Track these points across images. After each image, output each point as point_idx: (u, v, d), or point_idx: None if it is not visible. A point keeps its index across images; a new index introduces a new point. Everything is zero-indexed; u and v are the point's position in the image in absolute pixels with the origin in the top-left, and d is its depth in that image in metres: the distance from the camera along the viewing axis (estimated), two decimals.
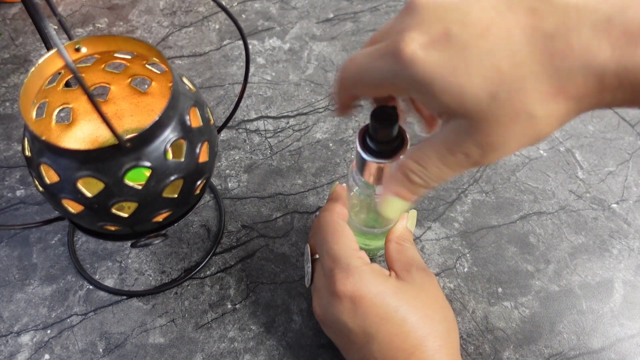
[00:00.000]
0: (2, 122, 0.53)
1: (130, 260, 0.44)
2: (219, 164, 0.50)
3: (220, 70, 0.58)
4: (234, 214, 0.47)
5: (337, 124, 0.54)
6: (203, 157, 0.33)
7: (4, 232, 0.45)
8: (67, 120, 0.40)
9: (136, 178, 0.31)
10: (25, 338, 0.40)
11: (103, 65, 0.38)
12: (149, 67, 0.38)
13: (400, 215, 0.27)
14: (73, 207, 0.31)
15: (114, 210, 0.30)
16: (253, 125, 0.53)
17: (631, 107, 0.22)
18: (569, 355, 0.40)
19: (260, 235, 0.46)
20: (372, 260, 0.35)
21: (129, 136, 0.28)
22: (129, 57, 0.37)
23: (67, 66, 0.24)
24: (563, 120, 0.22)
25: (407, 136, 0.30)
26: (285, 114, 0.54)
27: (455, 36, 0.21)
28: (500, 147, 0.23)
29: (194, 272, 0.43)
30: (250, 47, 0.60)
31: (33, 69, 0.32)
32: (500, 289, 0.43)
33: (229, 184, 0.49)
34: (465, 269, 0.44)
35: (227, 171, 0.50)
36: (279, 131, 0.53)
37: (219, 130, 0.42)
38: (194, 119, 0.32)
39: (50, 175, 0.30)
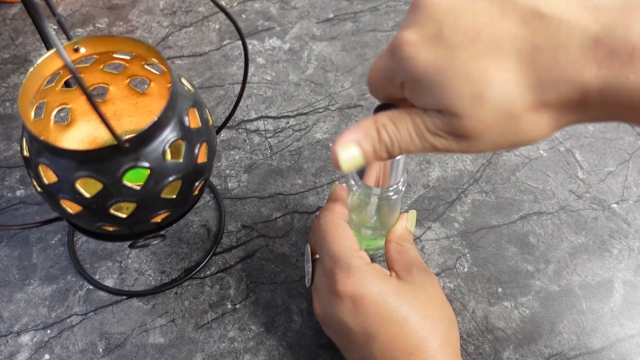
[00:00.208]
0: (2, 122, 0.53)
1: (130, 260, 0.44)
2: (219, 164, 0.50)
3: (220, 70, 0.58)
4: (234, 214, 0.47)
5: (337, 124, 0.54)
6: (202, 158, 0.33)
7: (4, 232, 0.45)
8: (66, 120, 0.40)
9: (135, 178, 0.30)
10: (25, 338, 0.40)
11: (102, 66, 0.38)
12: (148, 67, 0.38)
13: (351, 169, 0.27)
14: (71, 207, 0.31)
15: (112, 211, 0.30)
16: (253, 125, 0.53)
17: (616, 121, 0.23)
18: (569, 355, 0.40)
19: (260, 235, 0.46)
20: (372, 260, 0.35)
21: (127, 137, 0.28)
22: (128, 57, 0.37)
23: (66, 66, 0.24)
24: (543, 132, 0.23)
25: None
26: (285, 114, 0.54)
27: (446, 38, 0.22)
28: (474, 144, 0.24)
29: (194, 272, 0.43)
30: (250, 47, 0.60)
31: (32, 69, 0.32)
32: (500, 289, 0.43)
33: (229, 184, 0.49)
34: (465, 269, 0.44)
35: (227, 171, 0.50)
36: (279, 131, 0.53)
37: (219, 130, 0.42)
38: (193, 120, 0.32)
39: (48, 176, 0.30)
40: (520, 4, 0.22)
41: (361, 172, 0.32)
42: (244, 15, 0.64)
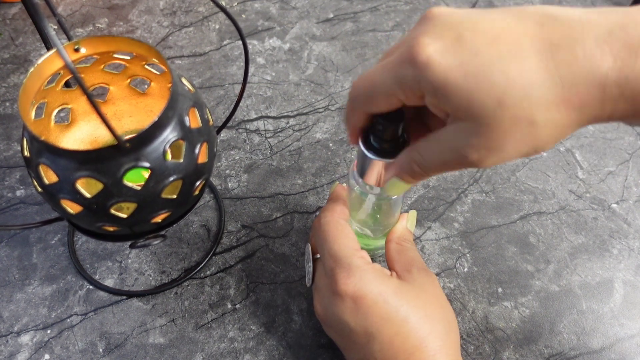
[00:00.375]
0: (2, 122, 0.53)
1: (130, 260, 0.44)
2: (219, 164, 0.50)
3: (220, 70, 0.58)
4: (234, 214, 0.47)
5: (337, 124, 0.54)
6: (202, 158, 0.33)
7: (4, 232, 0.45)
8: (66, 120, 0.40)
9: (135, 179, 0.31)
10: (25, 338, 0.40)
11: (102, 66, 0.38)
12: (148, 67, 0.38)
13: (402, 191, 0.31)
14: (72, 207, 0.31)
15: (112, 211, 0.30)
16: (253, 125, 0.53)
17: (631, 122, 0.23)
18: (569, 355, 0.40)
19: (260, 235, 0.46)
20: (373, 260, 0.35)
21: (128, 137, 0.28)
22: (128, 57, 0.37)
23: (66, 66, 0.24)
24: (562, 132, 0.23)
25: (408, 136, 0.30)
26: (285, 114, 0.54)
27: (468, 42, 0.23)
28: (497, 153, 0.24)
29: (194, 272, 0.43)
30: (250, 47, 0.60)
31: (32, 69, 0.32)
32: (500, 289, 0.43)
33: (229, 184, 0.49)
34: (465, 269, 0.44)
35: (227, 171, 0.50)
36: (279, 131, 0.53)
37: (219, 130, 0.42)
38: (193, 120, 0.32)
39: (49, 176, 0.30)
40: (532, 11, 0.23)
41: (362, 172, 0.32)
42: (244, 15, 0.64)
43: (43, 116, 0.37)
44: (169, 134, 0.30)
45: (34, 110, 0.34)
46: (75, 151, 0.28)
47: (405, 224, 0.38)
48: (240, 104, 0.54)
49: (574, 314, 0.42)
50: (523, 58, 0.22)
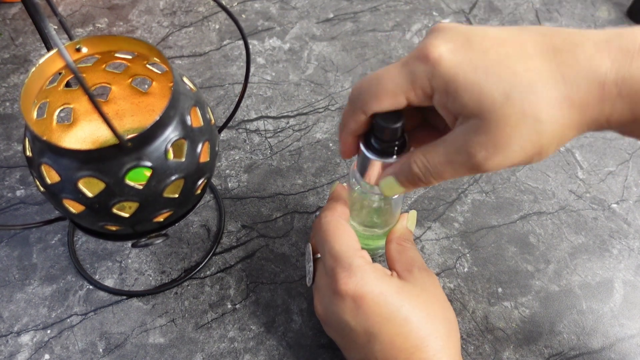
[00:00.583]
0: (2, 122, 0.53)
1: (130, 260, 0.44)
2: (219, 164, 0.50)
3: (220, 70, 0.58)
4: (234, 214, 0.47)
5: (337, 124, 0.54)
6: (204, 157, 0.33)
7: (4, 232, 0.45)
8: (68, 120, 0.40)
9: (137, 178, 0.31)
10: (25, 338, 0.40)
11: (104, 66, 0.38)
12: (150, 67, 0.38)
13: (395, 193, 0.31)
14: (74, 207, 0.31)
15: (114, 210, 0.30)
16: (253, 125, 0.53)
17: (629, 129, 0.25)
18: (569, 355, 0.40)
19: (260, 235, 0.46)
20: (373, 260, 0.35)
21: (129, 136, 0.28)
22: (129, 57, 0.37)
23: (67, 66, 0.24)
24: (565, 133, 0.25)
25: (408, 137, 0.31)
26: (285, 114, 0.54)
27: (476, 44, 0.25)
28: (503, 151, 0.25)
29: (194, 272, 0.43)
30: (250, 47, 0.60)
31: (34, 69, 0.32)
32: (500, 289, 0.43)
33: (229, 184, 0.49)
34: (465, 269, 0.44)
35: (227, 171, 0.50)
36: (279, 131, 0.53)
37: (220, 129, 0.43)
38: (195, 119, 0.32)
39: (51, 175, 0.30)
40: (533, 27, 0.26)
41: (362, 171, 0.32)
42: (244, 15, 0.64)
43: (45, 116, 0.37)
44: (171, 133, 0.30)
45: (36, 110, 0.34)
46: (77, 151, 0.28)
47: (406, 223, 0.38)
48: (240, 104, 0.54)
49: (574, 314, 0.42)
50: (528, 58, 0.24)
